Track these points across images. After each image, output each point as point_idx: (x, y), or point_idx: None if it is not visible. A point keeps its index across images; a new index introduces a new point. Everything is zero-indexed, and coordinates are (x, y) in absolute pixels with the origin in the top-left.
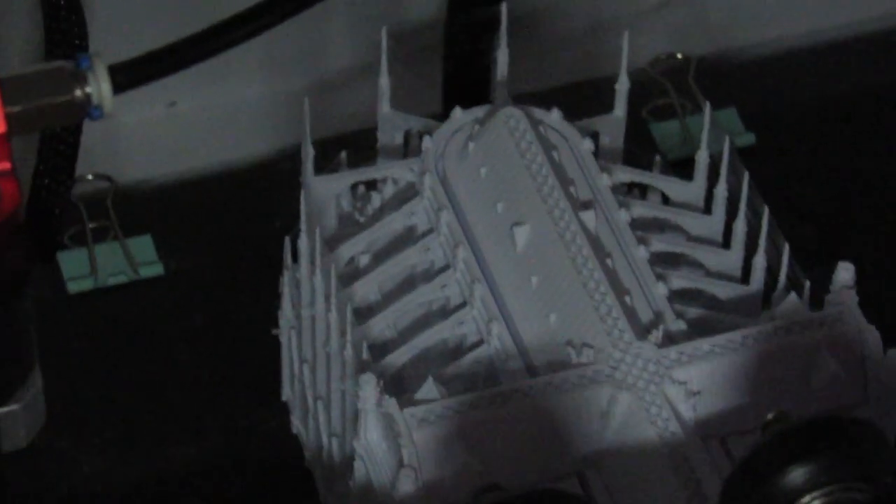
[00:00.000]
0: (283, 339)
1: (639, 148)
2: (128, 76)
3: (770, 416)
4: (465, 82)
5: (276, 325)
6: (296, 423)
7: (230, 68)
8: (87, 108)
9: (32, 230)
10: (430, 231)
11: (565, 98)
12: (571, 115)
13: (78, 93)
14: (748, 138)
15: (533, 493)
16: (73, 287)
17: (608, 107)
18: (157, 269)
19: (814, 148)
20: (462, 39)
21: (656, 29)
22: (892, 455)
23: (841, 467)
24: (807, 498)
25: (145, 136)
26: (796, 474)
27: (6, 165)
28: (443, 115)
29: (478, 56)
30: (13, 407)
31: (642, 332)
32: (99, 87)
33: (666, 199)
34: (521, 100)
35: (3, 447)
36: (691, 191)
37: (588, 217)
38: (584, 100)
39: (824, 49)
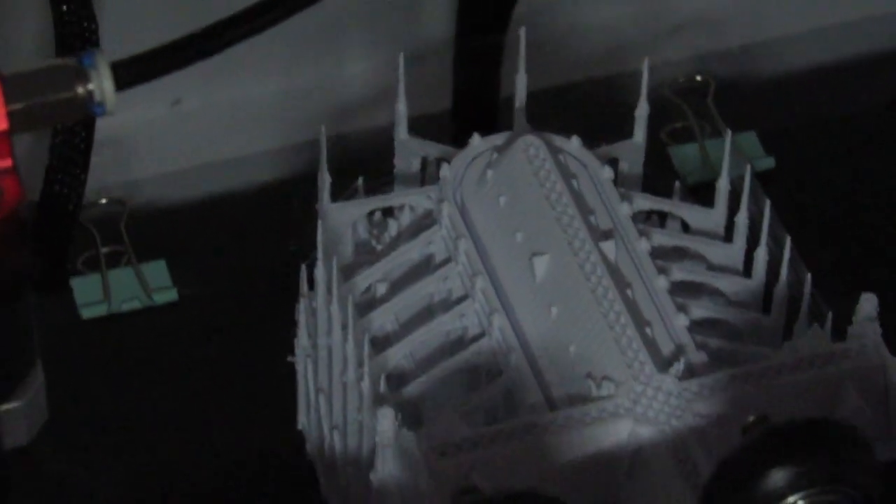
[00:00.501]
0: (299, 368)
1: (657, 172)
2: (131, 73)
3: (750, 418)
4: (475, 105)
5: (292, 352)
6: (311, 452)
7: (237, 64)
8: (89, 106)
9: (46, 233)
10: (448, 260)
11: (583, 121)
12: (589, 137)
13: (80, 90)
14: (768, 162)
15: (509, 495)
16: (86, 313)
17: (627, 130)
18: (171, 295)
19: (835, 171)
20: (470, 64)
21: (675, 50)
22: (871, 457)
23: (821, 470)
24: (787, 501)
25: (149, 135)
26: (776, 477)
27: (8, 162)
28: (453, 138)
29: (486, 80)
30: (15, 404)
31: (663, 364)
32: (101, 84)
33: (686, 226)
34: (538, 124)
35: (5, 444)
36: (712, 218)
37: (608, 247)
38: (602, 123)
39: (845, 69)
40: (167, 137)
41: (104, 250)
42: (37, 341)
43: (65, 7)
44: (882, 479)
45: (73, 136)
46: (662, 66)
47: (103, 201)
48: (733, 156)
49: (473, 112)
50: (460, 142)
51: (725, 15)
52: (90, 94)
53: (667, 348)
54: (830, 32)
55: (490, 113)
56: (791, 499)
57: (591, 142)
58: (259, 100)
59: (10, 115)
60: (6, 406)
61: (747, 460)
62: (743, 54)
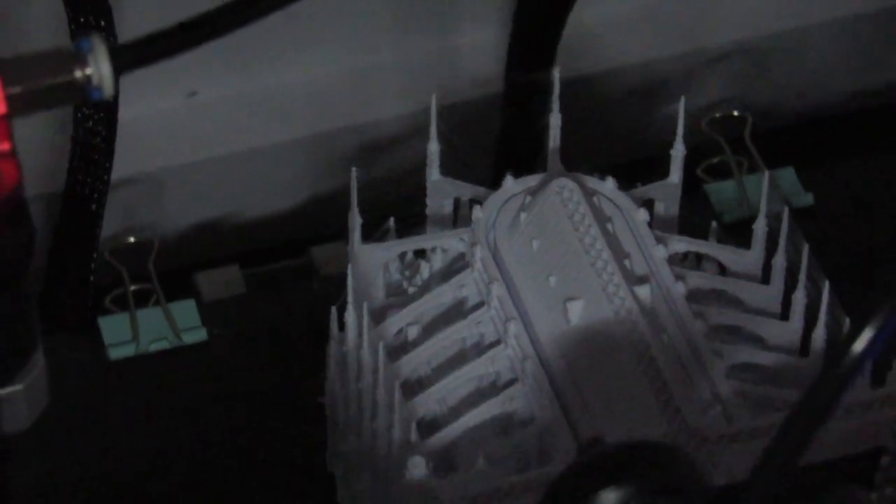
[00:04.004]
0: (329, 410)
1: (693, 209)
2: (130, 58)
3: (585, 440)
4: (519, 146)
5: (323, 392)
6: (342, 495)
7: (257, 52)
8: (87, 90)
9: (71, 228)
10: (480, 304)
11: (619, 161)
12: (626, 178)
13: (78, 74)
14: (806, 199)
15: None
16: (114, 353)
17: (663, 168)
18: (200, 335)
19: (876, 209)
20: (518, 102)
21: (712, 83)
22: (703, 484)
23: (650, 494)
24: None
25: (164, 126)
26: (605, 499)
27: (6, 146)
28: (494, 180)
29: (533, 119)
30: (15, 388)
31: (700, 412)
32: (99, 68)
33: (723, 267)
34: (573, 165)
35: (5, 429)
36: (749, 260)
37: (643, 292)
38: (638, 163)
39: (888, 103)
40: (182, 129)
41: (132, 288)
42: (37, 326)
43: None
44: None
45: (94, 135)
46: (700, 97)
47: (131, 239)
48: (771, 193)
49: (518, 150)
50: (497, 181)
51: (764, 47)
52: (88, 78)
53: (704, 394)
54: (873, 66)
55: (535, 152)
56: None
57: (626, 180)
58: (275, 91)
59: (9, 99)
60: (7, 390)
61: (578, 481)
62: (782, 87)
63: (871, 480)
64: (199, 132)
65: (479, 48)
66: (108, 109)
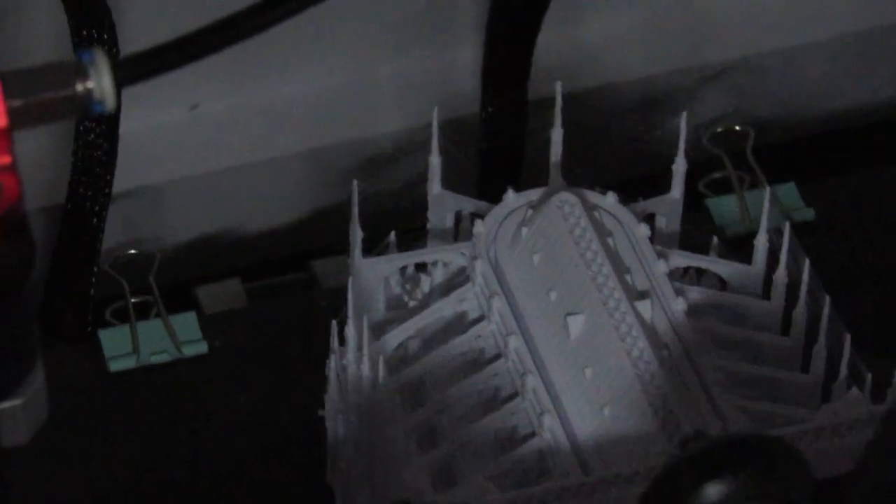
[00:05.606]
0: (329, 423)
1: (695, 224)
2: (132, 71)
3: (687, 433)
4: (501, 161)
5: (322, 406)
6: None
7: (259, 66)
8: (88, 104)
9: (70, 247)
10: (480, 318)
11: (620, 176)
12: (627, 193)
13: (79, 88)
14: (807, 213)
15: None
16: (114, 366)
17: (665, 184)
18: (200, 348)
19: (877, 224)
20: (497, 120)
21: (713, 99)
22: (807, 475)
23: (755, 485)
24: None
25: (166, 139)
26: (710, 492)
27: (7, 159)
28: (479, 192)
29: (513, 135)
30: (14, 402)
31: (700, 427)
32: (101, 81)
33: (723, 282)
34: (573, 177)
35: (4, 443)
36: (750, 275)
37: (644, 307)
38: (640, 178)
39: (888, 118)
40: (185, 142)
41: (133, 300)
42: (37, 340)
43: (78, 8)
44: (816, 495)
45: (95, 148)
46: (701, 112)
47: (132, 251)
48: (773, 207)
49: (499, 166)
50: (485, 193)
51: (766, 62)
52: (89, 91)
53: (703, 409)
54: (874, 80)
55: (516, 167)
56: None
57: (627, 194)
58: (279, 104)
59: (10, 112)
60: (6, 404)
61: (683, 475)
62: (784, 102)
63: None
64: (202, 145)
65: (475, 64)
66: (110, 123)
